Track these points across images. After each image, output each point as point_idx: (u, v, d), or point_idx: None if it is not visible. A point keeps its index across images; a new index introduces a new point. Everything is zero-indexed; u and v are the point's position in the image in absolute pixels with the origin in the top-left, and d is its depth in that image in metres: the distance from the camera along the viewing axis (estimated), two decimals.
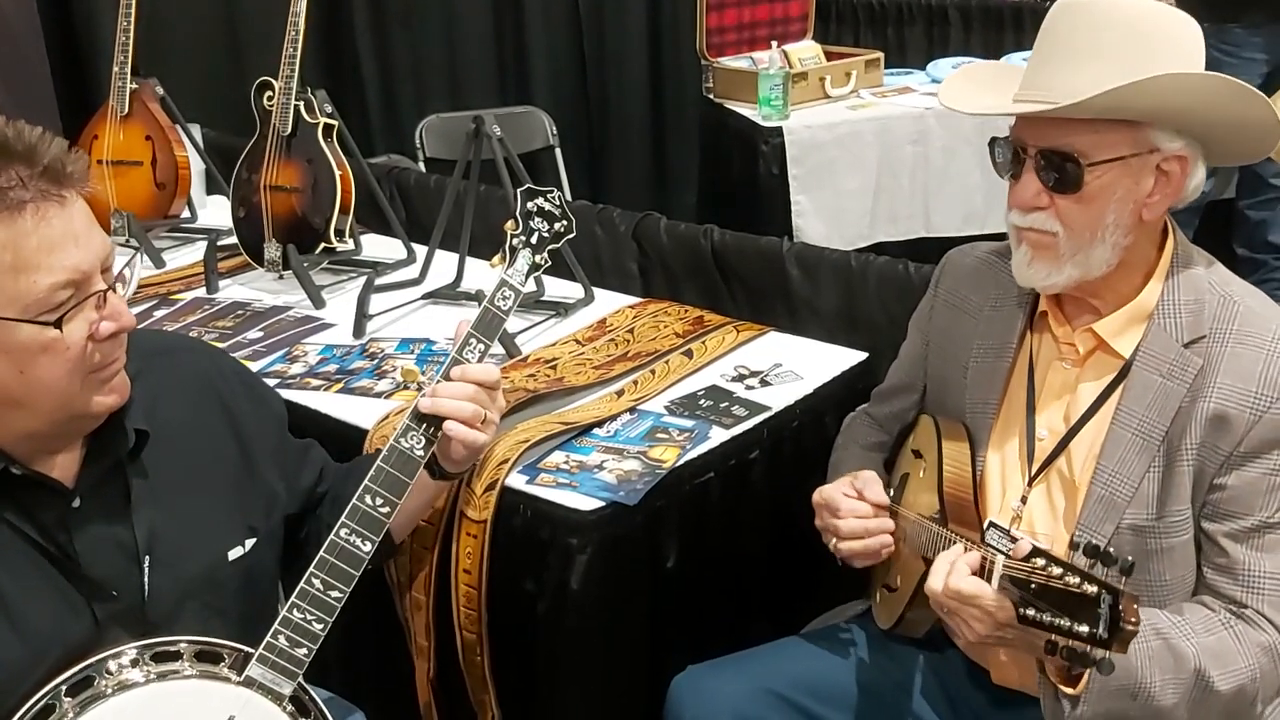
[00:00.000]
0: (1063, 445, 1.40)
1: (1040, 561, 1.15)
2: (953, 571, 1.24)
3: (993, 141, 1.38)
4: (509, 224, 1.57)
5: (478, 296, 2.20)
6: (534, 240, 1.57)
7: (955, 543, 1.30)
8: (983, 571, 1.23)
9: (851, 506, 1.46)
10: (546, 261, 1.57)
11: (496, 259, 1.56)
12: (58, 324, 1.11)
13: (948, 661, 1.52)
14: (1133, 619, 1.07)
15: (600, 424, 1.78)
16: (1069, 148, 1.29)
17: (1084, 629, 1.09)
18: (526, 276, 1.54)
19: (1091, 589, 1.09)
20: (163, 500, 1.27)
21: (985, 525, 1.34)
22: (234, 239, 2.43)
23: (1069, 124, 1.28)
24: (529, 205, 1.58)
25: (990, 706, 1.49)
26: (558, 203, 1.59)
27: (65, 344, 1.13)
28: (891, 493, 1.53)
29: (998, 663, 1.47)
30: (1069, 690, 1.24)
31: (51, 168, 1.10)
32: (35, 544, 1.19)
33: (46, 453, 1.20)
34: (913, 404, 1.62)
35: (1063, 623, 1.10)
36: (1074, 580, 1.10)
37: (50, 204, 1.10)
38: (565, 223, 1.59)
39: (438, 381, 1.41)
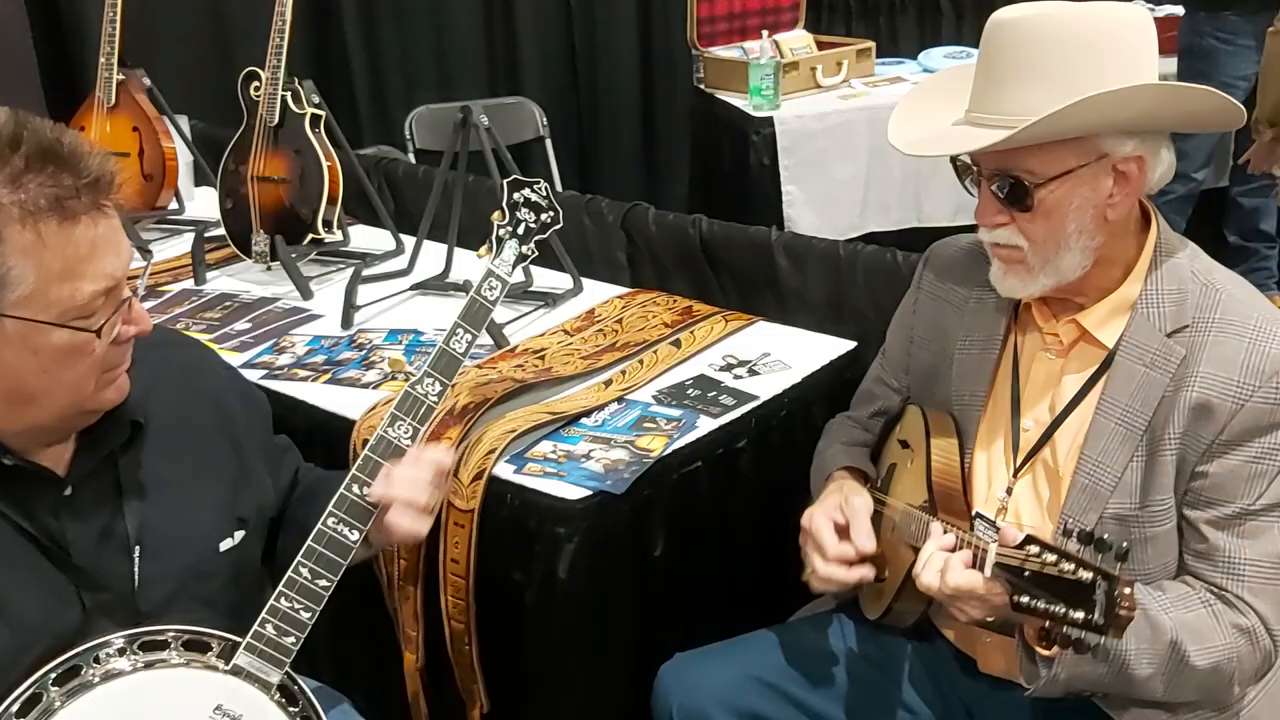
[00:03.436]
0: (1047, 436, 1.40)
1: (1034, 549, 1.15)
2: (948, 569, 1.24)
3: (952, 159, 1.39)
4: (496, 214, 1.57)
5: (466, 287, 2.20)
6: (521, 231, 1.57)
7: (946, 533, 1.30)
8: (975, 561, 1.23)
9: (839, 552, 1.42)
10: (533, 252, 1.57)
11: (483, 250, 1.56)
12: (98, 331, 1.14)
13: (936, 650, 1.53)
14: (1127, 604, 1.08)
15: (588, 414, 1.78)
16: (1017, 170, 1.30)
17: (1079, 615, 1.09)
18: (513, 267, 1.54)
19: (1086, 575, 1.10)
20: (154, 491, 1.27)
21: (972, 516, 1.35)
22: (222, 230, 2.42)
23: (1016, 147, 1.29)
24: (515, 196, 1.58)
25: (978, 694, 1.49)
26: (544, 194, 1.59)
27: (92, 348, 1.14)
28: (879, 483, 1.54)
29: (985, 651, 1.47)
30: (1044, 652, 1.25)
31: (101, 179, 1.11)
32: (25, 533, 1.19)
33: (42, 444, 1.21)
34: (894, 405, 1.63)
35: (1058, 609, 1.11)
36: (1068, 567, 1.11)
37: (99, 215, 1.12)
38: (552, 214, 1.59)
39: (426, 372, 1.40)
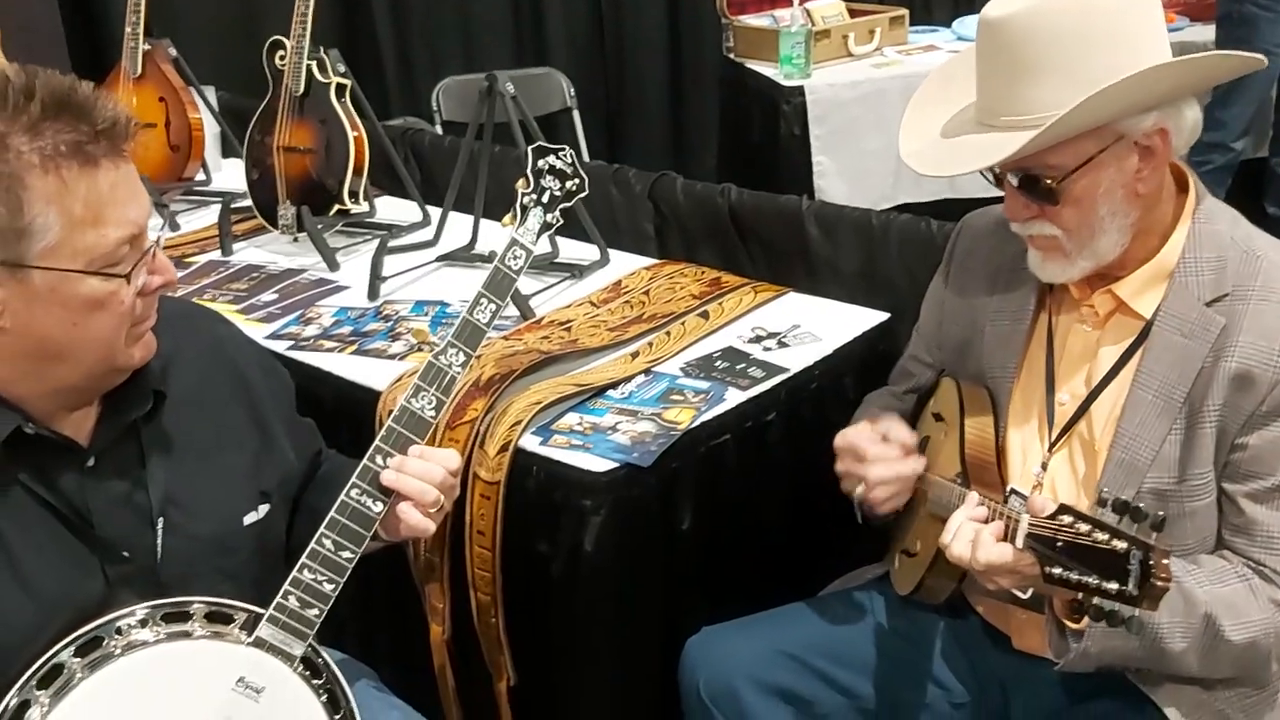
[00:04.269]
0: (1083, 409, 1.37)
1: (1067, 519, 1.12)
2: (979, 542, 1.21)
3: None
4: (520, 182, 1.55)
5: (492, 258, 2.17)
6: (545, 199, 1.54)
7: (980, 504, 1.27)
8: (1006, 533, 1.20)
9: (880, 451, 1.42)
10: (558, 220, 1.55)
11: (508, 218, 1.53)
12: (127, 277, 1.13)
13: (968, 626, 1.50)
14: (1164, 575, 1.05)
15: (614, 386, 1.76)
16: (1038, 168, 1.27)
17: (1113, 586, 1.06)
18: (538, 235, 1.52)
19: (1121, 545, 1.07)
20: (177, 463, 1.26)
21: (1007, 492, 1.32)
22: (248, 202, 2.41)
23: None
24: (540, 163, 1.55)
25: (1012, 671, 1.47)
26: (569, 160, 1.56)
27: (121, 297, 1.14)
28: None
29: (1019, 627, 1.45)
30: (1074, 625, 1.23)
31: (117, 124, 1.10)
32: (47, 504, 1.18)
33: (65, 410, 1.20)
34: (930, 380, 1.60)
35: (1090, 580, 1.08)
36: (1102, 537, 1.08)
37: (119, 160, 1.11)
38: (577, 181, 1.56)
39: (449, 343, 1.39)
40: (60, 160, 1.07)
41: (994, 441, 1.41)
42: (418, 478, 1.29)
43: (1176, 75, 1.25)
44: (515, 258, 1.48)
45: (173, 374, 1.27)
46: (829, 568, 1.71)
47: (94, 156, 1.09)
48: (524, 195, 1.54)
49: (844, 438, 1.46)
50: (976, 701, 1.50)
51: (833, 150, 3.54)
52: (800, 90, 3.46)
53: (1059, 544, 1.12)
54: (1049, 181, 1.27)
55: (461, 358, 1.41)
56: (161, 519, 1.24)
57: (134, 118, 1.13)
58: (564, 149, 1.57)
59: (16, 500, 1.17)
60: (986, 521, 1.24)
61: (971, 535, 1.22)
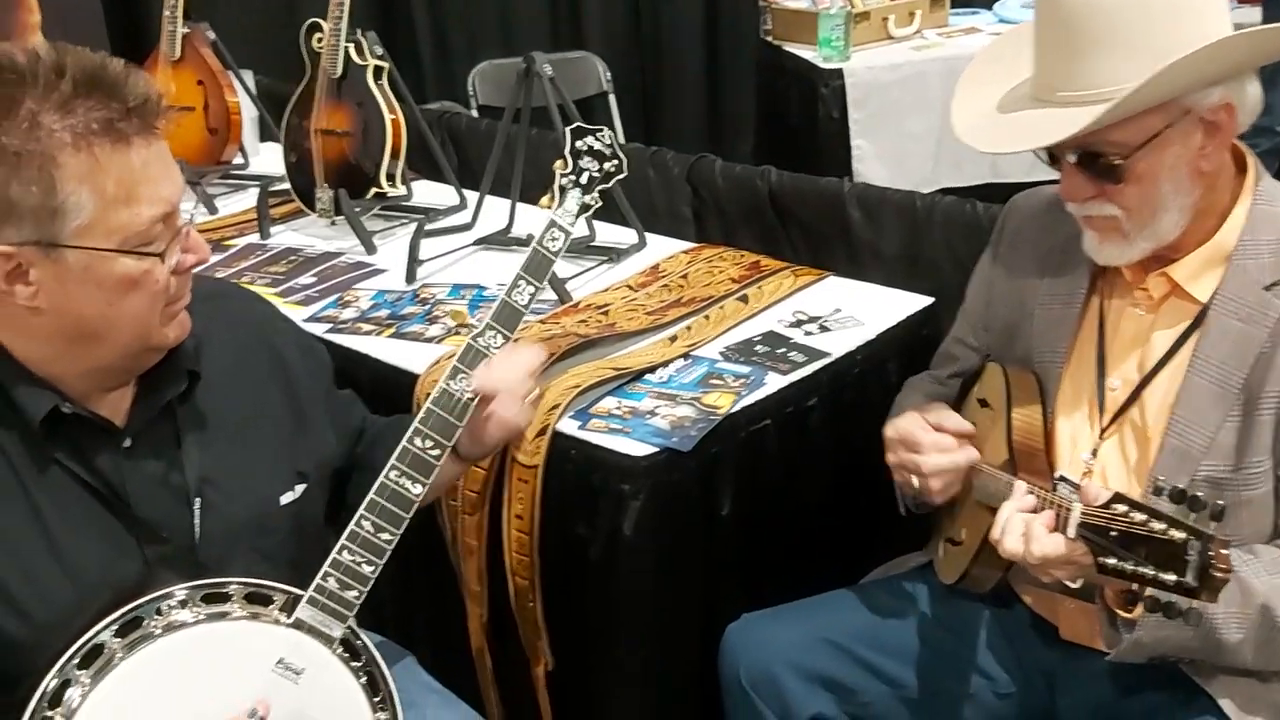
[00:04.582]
0: (1135, 395, 1.34)
1: (1121, 508, 1.09)
2: (1032, 536, 1.18)
3: None
4: (558, 163, 1.53)
5: (529, 242, 2.16)
6: (583, 180, 1.52)
7: (1028, 493, 1.24)
8: (1058, 522, 1.17)
9: (935, 440, 1.38)
10: (596, 202, 1.53)
11: (545, 199, 1.52)
12: (161, 256, 1.12)
13: (1014, 616, 1.48)
14: (1223, 566, 1.02)
15: (653, 370, 1.74)
16: (1103, 146, 1.23)
17: (1170, 577, 1.03)
18: (576, 217, 1.50)
19: (1179, 535, 1.04)
20: (213, 443, 1.26)
21: (1055, 479, 1.29)
22: (286, 186, 2.41)
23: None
24: (578, 144, 1.54)
25: (1058, 661, 1.44)
26: (607, 141, 1.55)
27: (155, 276, 1.13)
28: None
29: (1067, 616, 1.42)
30: (1126, 615, 1.20)
31: (149, 101, 1.09)
32: (85, 484, 1.18)
33: (101, 390, 1.19)
34: (973, 365, 1.56)
35: (1146, 571, 1.05)
36: (1159, 526, 1.05)
37: (150, 137, 1.10)
38: (615, 162, 1.55)
39: (488, 325, 1.37)
40: (92, 138, 1.06)
41: (1042, 428, 1.38)
42: (505, 376, 1.35)
43: (1247, 48, 1.21)
44: (554, 239, 1.47)
45: (208, 354, 1.26)
46: (870, 555, 1.68)
47: (125, 134, 1.08)
48: (562, 176, 1.52)
49: (895, 428, 1.42)
50: (1022, 692, 1.47)
51: (872, 134, 3.50)
52: (839, 73, 3.42)
53: (1113, 533, 1.09)
54: (1112, 159, 1.23)
55: (499, 340, 1.40)
56: (198, 499, 1.24)
57: (163, 95, 1.12)
58: (602, 130, 1.56)
59: (55, 479, 1.17)
60: (1036, 511, 1.21)
61: (1023, 529, 1.19)
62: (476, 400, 1.35)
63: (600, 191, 1.53)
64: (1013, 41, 1.38)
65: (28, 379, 1.15)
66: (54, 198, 1.06)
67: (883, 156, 3.51)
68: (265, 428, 1.31)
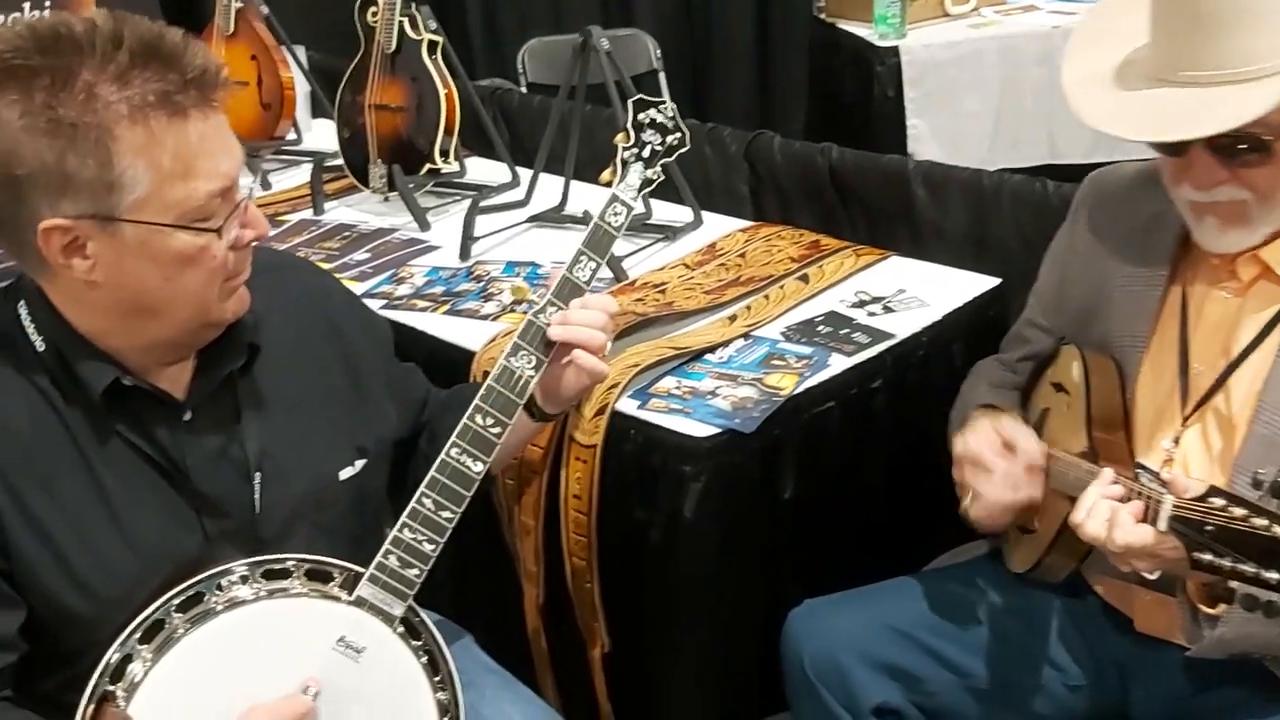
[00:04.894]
0: (1220, 381, 1.28)
1: (1219, 502, 1.04)
2: (1117, 523, 1.14)
3: None
4: (619, 137, 1.50)
5: (584, 219, 2.14)
6: (646, 154, 1.48)
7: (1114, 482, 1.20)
8: (1146, 514, 1.13)
9: (1006, 472, 1.32)
10: (659, 176, 1.49)
11: (607, 173, 1.48)
12: (219, 231, 1.10)
13: (1086, 606, 1.43)
14: None
15: (713, 349, 1.71)
16: (1251, 130, 1.16)
17: (1274, 575, 0.99)
18: (638, 191, 1.46)
19: None
20: (272, 417, 1.24)
21: (1135, 467, 1.24)
22: (339, 161, 2.40)
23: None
24: (640, 117, 1.50)
25: (1131, 654, 1.39)
26: (670, 114, 1.51)
27: (213, 252, 1.11)
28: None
29: (1143, 608, 1.37)
30: (1209, 610, 1.16)
31: (207, 73, 1.07)
32: (146, 457, 1.17)
33: (161, 365, 1.18)
34: (1045, 347, 1.51)
35: (1247, 569, 1.00)
36: (1261, 523, 1.00)
37: (208, 110, 1.08)
38: (678, 135, 1.51)
39: (549, 301, 1.35)
40: (149, 111, 1.04)
41: (1122, 415, 1.33)
42: (584, 325, 1.32)
43: None
44: (616, 214, 1.43)
45: (267, 327, 1.24)
46: (932, 541, 1.65)
47: (183, 107, 1.05)
48: (624, 150, 1.49)
49: (965, 445, 1.36)
50: (1093, 684, 1.43)
51: (928, 113, 3.43)
52: (895, 51, 3.35)
53: (1208, 528, 1.04)
54: (1262, 139, 1.16)
55: (560, 316, 1.37)
56: (259, 474, 1.22)
57: (222, 67, 1.10)
58: (665, 102, 1.52)
59: (116, 453, 1.16)
60: (1122, 500, 1.17)
61: (1107, 514, 1.15)
62: (554, 350, 1.33)
63: (663, 165, 1.49)
64: (1110, 11, 1.31)
65: (90, 352, 1.14)
66: (110, 171, 1.04)
67: (938, 136, 3.44)
68: (325, 401, 1.29)
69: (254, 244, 1.18)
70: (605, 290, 1.91)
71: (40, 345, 1.14)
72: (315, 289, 1.35)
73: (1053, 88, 3.47)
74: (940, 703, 1.43)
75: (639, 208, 1.49)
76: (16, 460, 1.11)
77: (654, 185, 1.49)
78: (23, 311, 1.15)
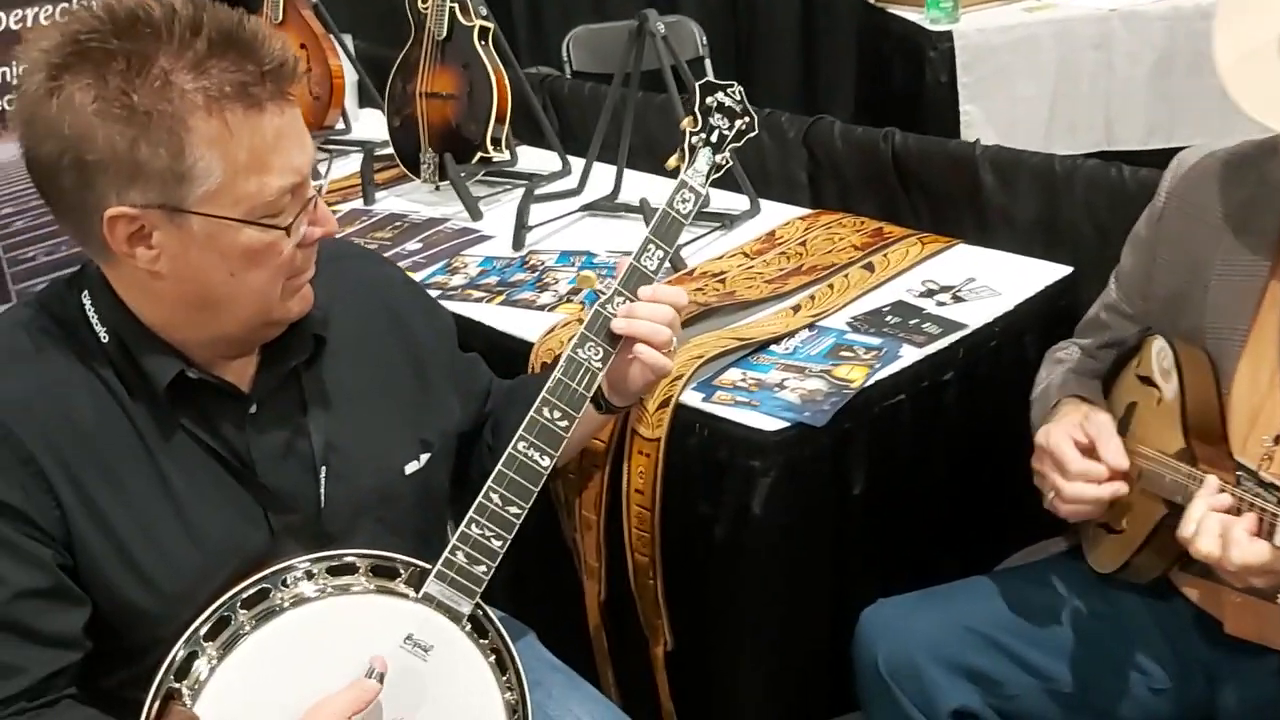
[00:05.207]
0: None
1: None
2: (1231, 540, 1.08)
3: None
4: (686, 121, 1.45)
5: (640, 208, 2.10)
6: (714, 138, 1.44)
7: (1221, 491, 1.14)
8: (1260, 528, 1.07)
9: (1083, 469, 1.26)
10: (728, 162, 1.45)
11: (674, 159, 1.44)
12: (288, 229, 1.07)
13: (1173, 609, 1.37)
14: None
15: (777, 340, 1.66)
16: None
17: None
18: (707, 178, 1.42)
19: None
20: (338, 410, 1.21)
21: (1237, 470, 1.18)
22: (388, 151, 2.37)
23: None
24: (708, 100, 1.45)
25: (1220, 659, 1.34)
26: (738, 98, 1.46)
27: (280, 249, 1.08)
28: (1116, 424, 1.37)
29: (1234, 612, 1.31)
30: None
31: (285, 65, 1.04)
32: (211, 451, 1.15)
33: (225, 358, 1.15)
34: (1127, 335, 1.45)
35: None
36: None
37: (284, 104, 1.05)
38: (747, 120, 1.46)
39: (616, 291, 1.31)
40: (225, 102, 1.01)
41: (1219, 413, 1.27)
42: (649, 320, 1.27)
43: None
44: (684, 201, 1.39)
45: (332, 318, 1.22)
46: (1005, 539, 1.59)
47: (259, 99, 1.02)
48: (692, 135, 1.44)
49: (1047, 437, 1.30)
50: (1179, 688, 1.37)
51: (981, 99, 3.36)
52: (948, 35, 3.28)
53: None
54: None
55: (626, 308, 1.33)
56: (324, 468, 1.20)
57: (299, 59, 1.07)
58: (733, 85, 1.48)
59: (180, 446, 1.14)
60: (1231, 512, 1.11)
61: (1219, 530, 1.09)
62: (621, 342, 1.29)
63: (731, 150, 1.45)
64: None
65: (154, 344, 1.11)
66: (182, 162, 1.01)
67: (993, 122, 3.37)
68: (390, 394, 1.27)
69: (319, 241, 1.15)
70: (663, 279, 1.87)
71: (104, 336, 1.11)
72: (378, 278, 1.32)
73: (1110, 72, 3.44)
74: (1019, 706, 1.38)
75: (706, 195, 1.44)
76: (81, 453, 1.09)
77: (723, 171, 1.45)
78: (86, 301, 1.12)
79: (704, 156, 1.43)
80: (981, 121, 3.38)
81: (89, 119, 0.99)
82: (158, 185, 1.02)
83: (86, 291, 1.13)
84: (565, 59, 3.60)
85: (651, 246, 1.36)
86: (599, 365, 1.29)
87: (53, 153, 1.01)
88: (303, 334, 1.18)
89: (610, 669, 1.71)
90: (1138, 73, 3.38)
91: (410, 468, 1.26)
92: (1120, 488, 1.27)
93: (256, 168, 1.03)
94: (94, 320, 1.12)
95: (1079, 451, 1.28)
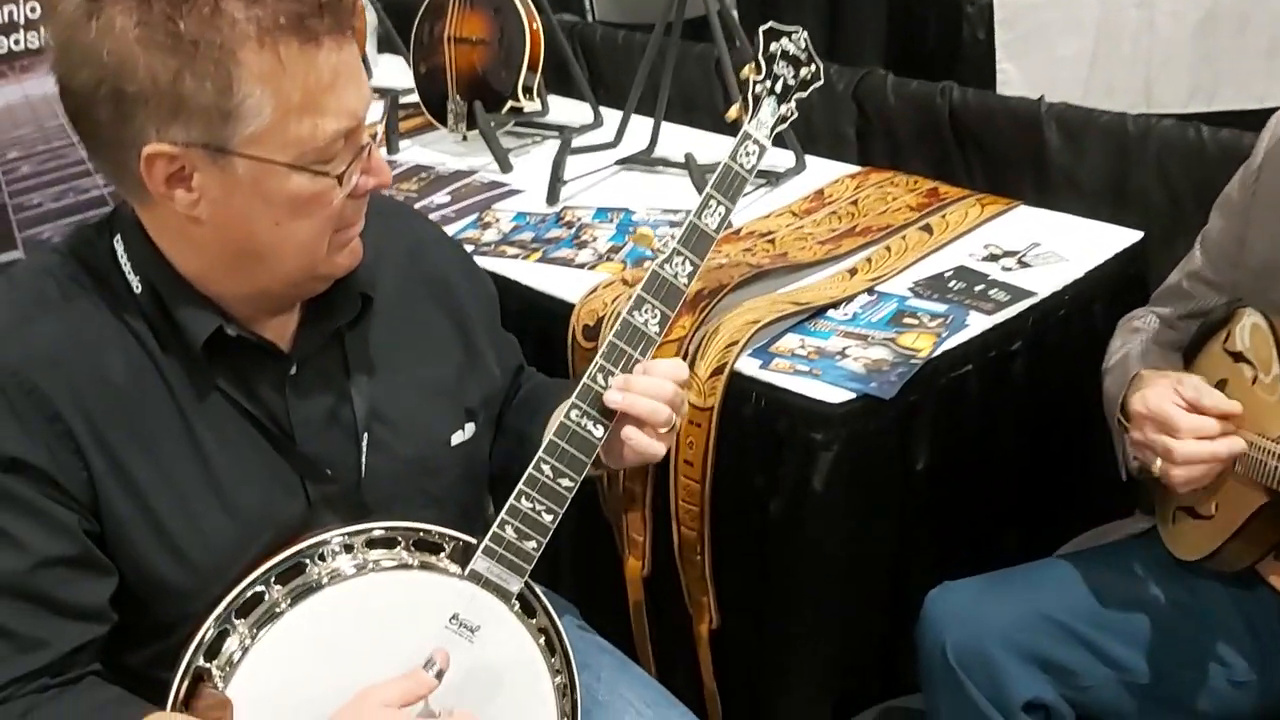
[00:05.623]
0: None
1: None
2: None
3: None
4: (747, 68, 1.35)
5: (675, 163, 2.01)
6: (778, 88, 1.35)
7: None
8: None
9: (1194, 424, 1.18)
10: (793, 113, 1.36)
11: (735, 109, 1.35)
12: (339, 178, 0.97)
13: (1258, 599, 1.29)
14: None
15: (835, 305, 1.57)
16: None
17: None
18: (772, 130, 1.33)
19: None
20: (382, 374, 1.13)
21: None
22: (412, 98, 2.26)
23: None
24: (772, 48, 1.36)
25: None
26: (804, 45, 1.37)
27: (330, 198, 0.98)
28: None
29: None
30: None
31: None
32: (248, 415, 1.06)
33: (266, 314, 1.06)
34: (1212, 305, 1.36)
35: None
36: None
37: (342, 40, 0.95)
38: (812, 68, 1.37)
39: (675, 250, 1.21)
40: (279, 35, 0.91)
41: None
42: (646, 396, 1.12)
43: None
44: (748, 154, 1.29)
45: (375, 278, 1.12)
46: (1072, 520, 1.51)
47: (316, 33, 0.92)
48: (756, 84, 1.35)
49: (1145, 403, 1.22)
50: (1262, 681, 1.30)
51: (1020, 57, 3.23)
52: None
53: None
54: None
55: (689, 267, 1.23)
56: (366, 435, 1.11)
57: None
58: (798, 31, 1.38)
59: (216, 409, 1.05)
60: None
61: None
62: (681, 303, 1.17)
63: (797, 100, 1.35)
64: None
65: (191, 297, 1.02)
66: (229, 98, 0.92)
67: (1031, 81, 3.23)
68: (434, 361, 1.18)
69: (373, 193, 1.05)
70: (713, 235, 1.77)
71: (137, 286, 1.02)
72: (426, 239, 1.23)
73: (1152, 31, 3.32)
74: (1093, 698, 1.31)
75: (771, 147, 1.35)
76: (112, 412, 1.00)
77: (789, 123, 1.35)
78: (119, 246, 1.03)
79: (768, 107, 1.33)
80: (1019, 80, 3.25)
81: (130, 46, 0.90)
82: (201, 122, 0.92)
83: (119, 236, 1.03)
84: (588, 8, 3.48)
85: (713, 203, 1.26)
86: (656, 330, 1.20)
87: (89, 82, 0.92)
88: (349, 292, 1.09)
89: (649, 648, 1.63)
90: (1181, 33, 3.27)
91: (456, 438, 1.18)
92: (1238, 444, 1.18)
93: (310, 108, 0.94)
94: (126, 268, 1.02)
95: (1182, 408, 1.19)
